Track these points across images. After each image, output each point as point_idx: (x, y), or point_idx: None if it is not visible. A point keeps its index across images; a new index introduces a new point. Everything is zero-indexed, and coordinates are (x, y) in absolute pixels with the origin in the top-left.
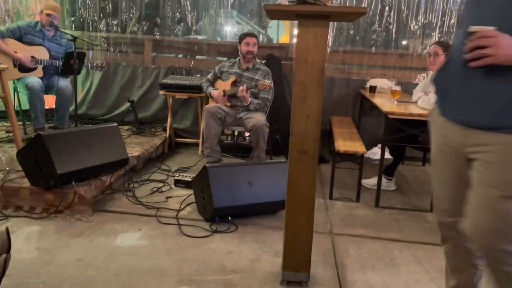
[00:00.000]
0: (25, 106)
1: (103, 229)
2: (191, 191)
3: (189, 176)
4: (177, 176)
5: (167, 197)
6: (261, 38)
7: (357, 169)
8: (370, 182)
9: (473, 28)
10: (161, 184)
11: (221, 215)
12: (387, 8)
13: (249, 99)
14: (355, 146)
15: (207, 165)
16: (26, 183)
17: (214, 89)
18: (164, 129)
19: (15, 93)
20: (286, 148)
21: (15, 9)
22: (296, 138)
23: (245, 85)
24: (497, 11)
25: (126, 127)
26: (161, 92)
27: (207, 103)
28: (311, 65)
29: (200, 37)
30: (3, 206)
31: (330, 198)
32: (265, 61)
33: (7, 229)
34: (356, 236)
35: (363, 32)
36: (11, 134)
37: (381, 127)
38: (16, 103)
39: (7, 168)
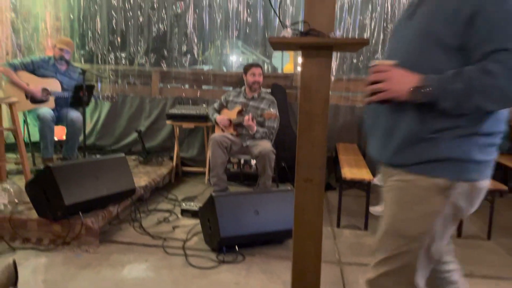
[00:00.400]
0: (34, 138)
1: (110, 260)
2: (198, 221)
3: (196, 205)
4: (184, 206)
5: (174, 227)
6: (265, 67)
7: (364, 196)
8: (378, 209)
9: (374, 62)
10: (168, 214)
11: (228, 244)
12: (389, 37)
13: (255, 127)
14: (362, 173)
15: (213, 194)
16: (34, 215)
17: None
18: (171, 158)
19: (25, 125)
20: (292, 175)
21: (27, 44)
22: (302, 167)
23: (250, 114)
24: (403, 44)
25: (133, 157)
26: (168, 122)
27: (213, 132)
28: (315, 95)
29: (206, 67)
30: (10, 238)
31: (338, 226)
32: (270, 90)
33: (14, 262)
34: (366, 265)
35: (366, 60)
36: (20, 166)
37: None
38: (25, 135)
39: (16, 200)
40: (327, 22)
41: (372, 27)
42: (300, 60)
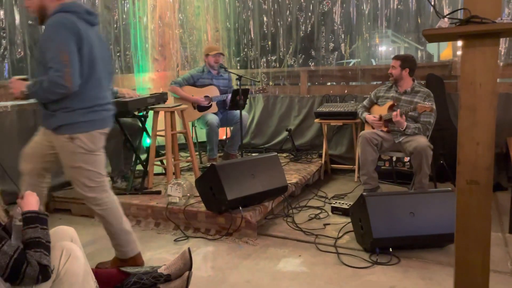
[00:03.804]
0: (200, 138)
1: (267, 253)
2: (349, 219)
3: (346, 204)
4: (334, 203)
5: (325, 224)
6: (419, 55)
7: None
8: None
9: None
10: (318, 211)
11: (381, 246)
12: None
13: (405, 123)
14: None
15: (365, 194)
16: (202, 207)
17: (369, 114)
18: (320, 156)
19: (193, 127)
20: (453, 174)
21: (192, 55)
22: (464, 168)
23: (398, 110)
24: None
25: (284, 155)
26: (316, 120)
27: (362, 129)
28: (480, 88)
29: (353, 61)
30: (185, 227)
31: (510, 232)
32: (424, 81)
33: (189, 250)
34: None
35: None
36: (190, 164)
37: None
38: (193, 136)
39: (188, 194)
40: (492, 5)
41: None
42: (460, 43)
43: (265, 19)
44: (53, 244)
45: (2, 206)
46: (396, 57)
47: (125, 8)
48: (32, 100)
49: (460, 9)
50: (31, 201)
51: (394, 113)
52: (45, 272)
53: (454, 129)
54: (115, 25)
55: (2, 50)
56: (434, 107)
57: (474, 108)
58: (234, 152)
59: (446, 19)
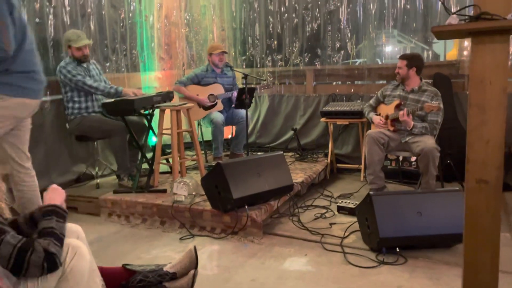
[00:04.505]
0: (206, 137)
1: (273, 252)
2: (355, 219)
3: (352, 203)
4: (340, 203)
5: (331, 224)
6: (425, 55)
7: None
8: None
9: None
10: (324, 210)
11: (387, 245)
12: None
13: (412, 123)
14: None
15: (371, 193)
16: (208, 206)
17: (376, 114)
18: (326, 155)
19: (199, 126)
20: (460, 174)
21: (198, 54)
22: (473, 166)
23: (405, 109)
24: None
25: (290, 154)
26: (322, 119)
27: (368, 128)
28: (490, 86)
29: (359, 61)
30: (190, 226)
31: None
32: (431, 80)
33: (195, 248)
34: None
35: None
36: (196, 162)
37: None
38: (199, 134)
39: (193, 193)
40: (503, 2)
41: None
42: (466, 43)
43: (270, 18)
44: None
45: (7, 204)
46: (402, 57)
47: (132, 7)
48: None
49: (470, 5)
50: (54, 197)
51: (401, 112)
52: (51, 260)
53: (461, 128)
54: (121, 24)
55: None
56: (441, 106)
57: (483, 106)
58: (240, 151)
59: (455, 16)
